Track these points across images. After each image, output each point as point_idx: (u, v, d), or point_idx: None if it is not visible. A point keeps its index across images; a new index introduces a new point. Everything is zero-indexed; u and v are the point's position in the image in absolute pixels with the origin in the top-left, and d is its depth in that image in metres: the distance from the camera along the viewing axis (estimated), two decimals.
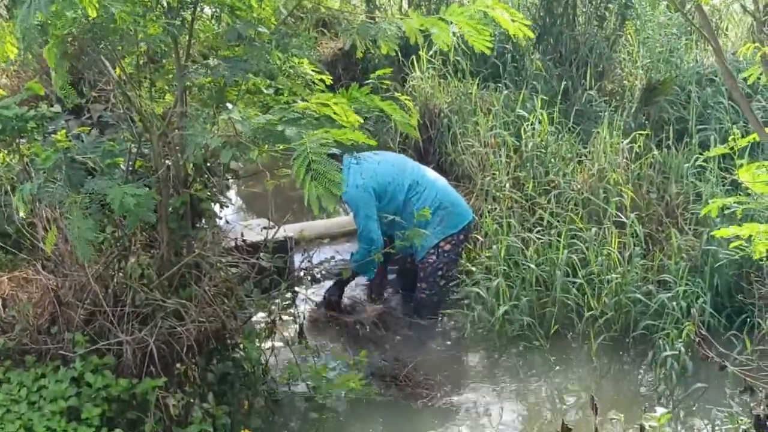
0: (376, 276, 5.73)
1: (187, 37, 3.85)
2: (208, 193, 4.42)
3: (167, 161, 4.02)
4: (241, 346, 4.38)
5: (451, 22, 3.66)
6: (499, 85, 7.42)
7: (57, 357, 3.98)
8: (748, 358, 4.68)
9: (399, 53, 6.15)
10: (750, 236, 3.67)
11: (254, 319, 4.64)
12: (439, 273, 5.51)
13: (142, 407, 3.88)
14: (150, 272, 4.10)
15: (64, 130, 4.05)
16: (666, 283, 5.38)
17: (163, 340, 3.98)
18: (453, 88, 7.36)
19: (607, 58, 7.90)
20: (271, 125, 3.42)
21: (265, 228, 4.87)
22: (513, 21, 3.69)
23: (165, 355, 4.01)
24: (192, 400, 3.94)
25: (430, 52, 7.62)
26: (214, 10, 4.07)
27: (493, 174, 6.30)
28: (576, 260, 5.49)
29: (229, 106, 3.89)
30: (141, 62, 4.09)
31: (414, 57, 7.61)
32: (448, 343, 5.47)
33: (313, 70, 4.23)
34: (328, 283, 5.77)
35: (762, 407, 3.94)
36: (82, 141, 4.00)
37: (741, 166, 3.76)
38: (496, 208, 6.03)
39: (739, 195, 4.38)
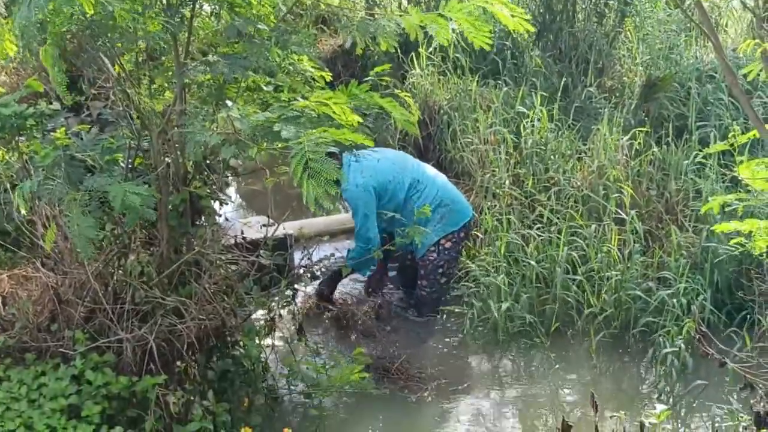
0: (375, 272, 5.73)
1: (186, 35, 3.84)
2: (208, 191, 4.42)
3: (167, 159, 4.02)
4: (241, 343, 4.38)
5: (451, 19, 3.66)
6: (499, 81, 7.41)
7: (57, 355, 3.98)
8: (748, 355, 4.69)
9: (398, 50, 6.13)
10: (750, 232, 3.67)
11: (254, 316, 4.64)
12: (440, 270, 5.50)
13: (143, 405, 3.88)
14: (150, 270, 4.10)
15: (63, 128, 4.04)
16: (666, 280, 5.38)
17: (163, 338, 3.98)
18: (452, 84, 7.35)
19: (606, 54, 7.89)
20: (270, 123, 3.42)
21: (264, 225, 4.87)
22: (513, 16, 3.68)
23: (165, 352, 4.01)
24: (192, 398, 3.94)
25: (430, 49, 7.61)
26: (213, 7, 4.06)
27: (493, 171, 6.30)
28: (576, 257, 5.50)
29: (229, 103, 3.88)
30: (140, 59, 4.09)
31: (413, 54, 7.60)
32: (448, 340, 5.46)
33: (312, 67, 4.23)
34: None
35: (762, 404, 3.95)
36: (82, 139, 3.99)
37: (741, 162, 3.76)
38: (495, 205, 6.03)
39: (739, 192, 4.38)
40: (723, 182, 5.98)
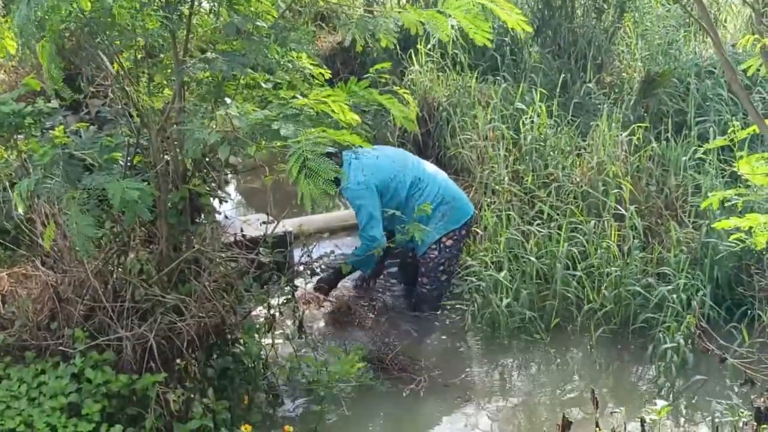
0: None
1: (184, 32, 3.84)
2: (207, 189, 4.41)
3: (166, 156, 4.02)
4: (241, 341, 4.38)
5: (449, 15, 3.66)
6: (498, 78, 7.41)
7: (57, 353, 3.99)
8: (748, 351, 4.69)
9: (397, 47, 6.13)
10: (750, 228, 3.67)
11: (254, 313, 4.64)
12: (441, 268, 5.50)
13: (143, 403, 3.88)
14: (149, 268, 4.09)
15: (62, 126, 4.04)
16: (665, 275, 5.38)
17: (162, 336, 3.98)
18: (451, 81, 7.35)
19: (605, 50, 7.88)
20: (269, 121, 3.42)
21: (264, 223, 4.87)
22: (508, 15, 3.69)
23: (165, 350, 4.01)
24: (192, 396, 3.94)
25: (429, 46, 7.61)
26: (211, 4, 4.06)
27: (492, 167, 6.30)
28: (576, 253, 5.49)
29: (228, 101, 3.88)
30: (139, 57, 4.08)
31: (412, 50, 7.60)
32: (447, 335, 5.46)
33: (311, 65, 4.22)
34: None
35: (762, 399, 3.95)
36: (80, 137, 3.99)
37: (740, 158, 3.76)
38: (495, 202, 6.03)
39: (739, 187, 4.37)
40: (722, 178, 5.98)
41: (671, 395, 4.75)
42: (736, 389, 4.68)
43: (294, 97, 3.83)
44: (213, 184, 4.48)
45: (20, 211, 3.88)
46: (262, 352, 4.49)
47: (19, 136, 4.16)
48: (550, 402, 4.78)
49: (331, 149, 3.37)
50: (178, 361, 4.01)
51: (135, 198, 3.49)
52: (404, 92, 4.36)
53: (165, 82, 4.18)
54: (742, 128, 3.88)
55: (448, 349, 5.33)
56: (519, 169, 6.30)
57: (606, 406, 4.63)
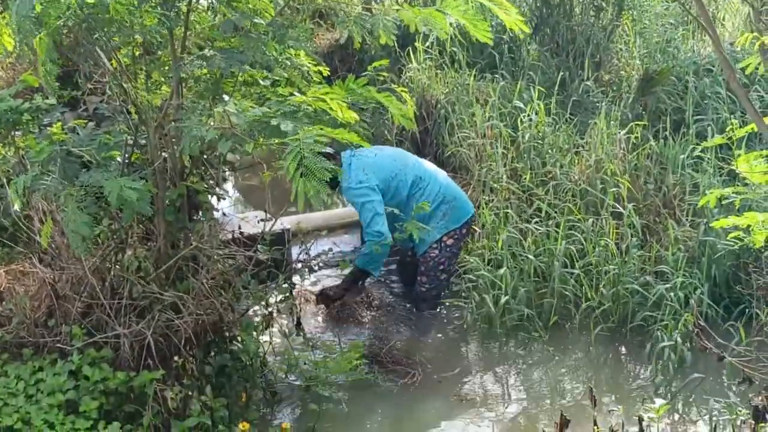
0: None
1: (182, 29, 3.83)
2: (205, 186, 4.41)
3: (164, 153, 4.01)
4: (239, 338, 4.38)
5: (447, 14, 3.67)
6: (496, 75, 7.41)
7: (54, 350, 3.98)
8: (746, 349, 4.69)
9: (395, 44, 6.13)
10: (748, 226, 3.67)
11: (251, 311, 4.63)
12: (441, 267, 5.49)
13: (140, 400, 3.88)
14: (147, 265, 4.09)
15: (59, 123, 4.03)
16: (663, 274, 5.38)
17: (160, 333, 3.98)
18: (450, 78, 7.34)
19: (604, 48, 7.88)
20: (267, 118, 3.41)
21: (262, 220, 4.86)
22: (506, 14, 3.71)
23: (162, 347, 4.01)
24: (190, 393, 3.93)
25: (427, 43, 7.61)
26: (209, 1, 4.05)
27: (491, 165, 6.30)
28: (574, 251, 5.49)
29: (226, 98, 3.88)
30: (137, 54, 4.08)
31: (410, 48, 7.59)
32: (445, 333, 5.46)
33: (309, 62, 4.22)
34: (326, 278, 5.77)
35: (760, 398, 3.95)
36: (78, 134, 3.98)
37: (739, 156, 3.76)
38: (493, 200, 6.03)
39: (737, 185, 4.38)
40: (720, 176, 5.99)
41: (669, 394, 4.75)
42: (734, 388, 4.69)
43: (292, 94, 3.83)
44: (211, 182, 4.48)
45: (17, 207, 3.88)
46: (259, 350, 4.49)
47: (16, 132, 4.15)
48: (549, 400, 4.78)
49: (329, 149, 3.36)
50: (175, 358, 4.01)
51: (132, 198, 3.49)
52: (402, 90, 4.36)
53: (163, 79, 4.18)
54: (741, 126, 3.88)
55: (446, 346, 5.33)
56: (517, 167, 6.30)
57: (604, 404, 4.62)
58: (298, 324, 4.87)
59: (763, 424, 3.75)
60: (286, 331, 4.78)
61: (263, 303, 4.58)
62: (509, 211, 5.83)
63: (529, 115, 6.54)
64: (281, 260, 5.01)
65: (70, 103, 6.10)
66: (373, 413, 4.64)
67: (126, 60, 4.07)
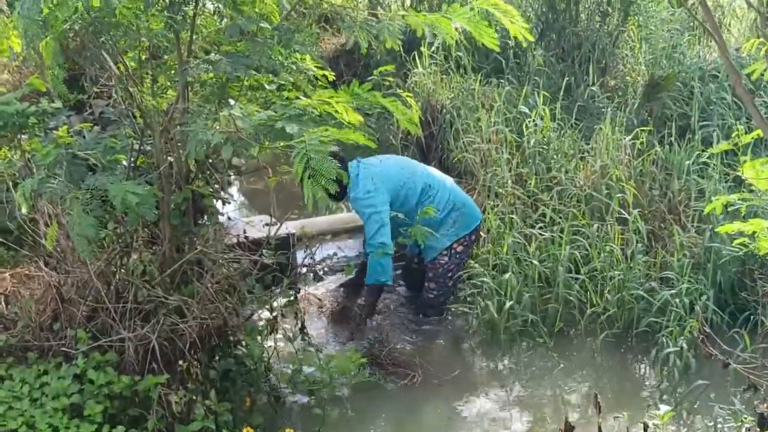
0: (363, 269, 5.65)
1: (189, 33, 3.84)
2: (210, 190, 4.41)
3: (169, 157, 4.02)
4: (243, 342, 4.38)
5: (452, 19, 3.67)
6: (502, 80, 7.40)
7: (59, 354, 3.99)
8: (751, 356, 4.67)
9: (401, 49, 6.13)
10: (754, 232, 3.66)
11: (256, 315, 4.63)
12: (449, 274, 5.48)
13: (145, 404, 3.88)
14: (152, 269, 4.10)
15: (65, 126, 4.04)
16: (669, 280, 5.37)
17: (165, 337, 3.98)
18: (455, 83, 7.34)
19: (609, 53, 7.88)
20: (272, 122, 3.42)
21: (267, 224, 4.86)
22: (512, 23, 3.72)
23: (167, 352, 4.01)
24: (194, 397, 3.93)
25: (432, 48, 7.61)
26: (216, 5, 4.06)
27: (496, 170, 6.29)
28: (578, 257, 5.49)
29: (232, 102, 3.88)
30: (143, 58, 4.08)
31: (416, 52, 7.60)
32: (450, 339, 5.45)
33: (315, 66, 4.22)
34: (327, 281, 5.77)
35: (765, 405, 3.94)
36: (84, 137, 3.99)
37: (744, 162, 3.75)
38: (498, 205, 6.02)
39: (743, 192, 4.37)
40: (726, 182, 5.97)
41: (674, 400, 4.74)
42: (739, 395, 4.67)
43: (297, 98, 3.83)
44: (216, 186, 4.48)
45: (24, 211, 3.89)
46: (264, 354, 4.48)
47: (23, 136, 4.16)
48: (553, 406, 4.77)
49: (335, 148, 3.35)
50: (180, 362, 4.01)
51: (134, 203, 3.49)
52: (408, 95, 4.36)
53: (169, 83, 4.18)
54: (746, 132, 3.87)
55: (451, 351, 5.33)
56: (522, 172, 6.30)
57: (609, 410, 4.61)
58: (303, 328, 4.87)
59: None
60: (291, 335, 4.78)
61: (268, 307, 4.58)
62: (514, 216, 5.82)
63: (534, 121, 6.54)
64: (286, 264, 5.00)
65: (76, 106, 6.12)
66: (377, 417, 4.64)
67: (132, 64, 4.08)
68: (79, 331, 3.96)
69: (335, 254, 5.37)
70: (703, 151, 6.04)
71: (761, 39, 3.45)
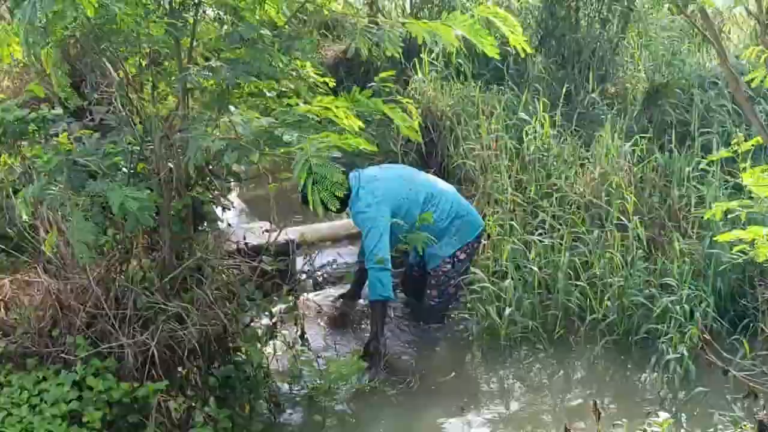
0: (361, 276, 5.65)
1: (189, 39, 3.84)
2: (210, 196, 4.41)
3: (169, 164, 4.02)
4: (243, 349, 4.37)
5: (451, 26, 3.69)
6: (502, 87, 7.41)
7: (58, 360, 3.98)
8: (752, 363, 4.67)
9: (401, 56, 6.15)
10: (753, 240, 3.66)
11: (256, 322, 4.63)
12: (452, 282, 5.46)
13: (144, 411, 3.87)
14: (151, 275, 4.09)
15: (66, 133, 4.04)
16: (668, 286, 5.37)
17: (164, 344, 3.98)
18: (455, 90, 7.35)
19: (609, 61, 7.90)
20: (272, 128, 3.42)
21: (266, 231, 4.86)
22: (512, 32, 3.74)
23: (166, 358, 4.01)
24: (193, 404, 3.93)
25: (432, 55, 7.61)
26: (216, 12, 4.07)
27: (495, 177, 6.29)
28: (578, 263, 5.49)
29: (232, 108, 3.88)
30: (143, 64, 4.09)
31: (416, 59, 7.61)
32: (450, 345, 5.44)
33: (315, 73, 4.23)
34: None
35: (765, 412, 3.93)
36: (84, 144, 3.99)
37: (744, 169, 3.75)
38: (498, 211, 6.02)
39: (743, 199, 4.37)
40: (726, 189, 5.97)
41: (674, 407, 4.73)
42: (739, 402, 4.66)
43: (297, 104, 3.84)
44: (216, 192, 4.48)
45: (24, 217, 3.89)
46: (263, 361, 4.48)
47: (23, 142, 4.16)
48: (552, 413, 4.76)
49: (337, 154, 3.35)
50: (179, 369, 4.01)
51: (134, 209, 3.49)
52: (408, 101, 4.36)
53: (169, 90, 4.18)
54: (746, 140, 3.88)
55: (451, 357, 5.32)
56: (522, 179, 6.30)
57: (608, 417, 4.60)
58: (302, 335, 4.86)
59: None
60: (290, 341, 4.78)
61: (267, 314, 4.57)
62: (514, 223, 5.82)
63: (534, 127, 6.54)
64: (286, 271, 5.00)
65: (77, 113, 6.12)
66: (376, 423, 4.63)
67: (132, 70, 4.08)
68: (78, 337, 3.95)
69: (334, 261, 5.36)
70: (702, 158, 6.04)
71: (761, 47, 3.46)
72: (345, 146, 3.42)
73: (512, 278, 5.44)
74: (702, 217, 5.48)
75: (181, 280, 4.15)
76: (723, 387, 4.79)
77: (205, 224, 4.46)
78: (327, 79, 4.33)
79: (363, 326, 5.47)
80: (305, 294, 5.55)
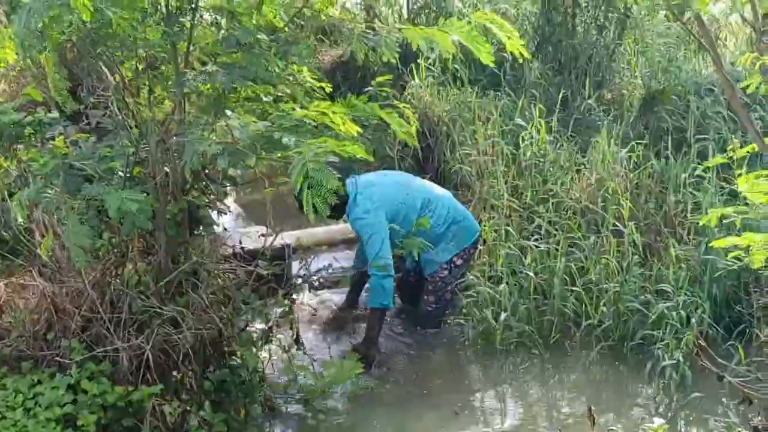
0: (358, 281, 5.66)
1: (186, 44, 3.85)
2: (206, 200, 4.41)
3: (165, 168, 4.02)
4: (238, 353, 4.37)
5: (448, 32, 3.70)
6: (498, 93, 7.42)
7: (53, 364, 3.98)
8: (746, 370, 4.68)
9: (398, 61, 6.15)
10: (748, 246, 3.66)
11: (251, 326, 4.63)
12: (449, 287, 5.47)
13: (139, 415, 3.88)
14: (147, 279, 4.09)
15: (62, 136, 4.04)
16: (664, 292, 5.37)
17: (159, 348, 3.98)
18: (452, 96, 7.35)
19: (606, 67, 7.90)
20: (269, 133, 3.42)
21: (262, 235, 4.86)
22: (509, 38, 3.75)
23: (161, 362, 4.00)
24: (188, 408, 3.93)
25: (429, 61, 7.62)
26: (213, 17, 4.07)
27: (492, 183, 6.30)
28: (574, 269, 5.49)
29: (229, 113, 3.89)
30: (140, 68, 4.09)
31: (413, 65, 7.61)
32: (445, 350, 5.44)
33: (312, 78, 4.24)
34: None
35: (759, 418, 3.94)
36: (80, 147, 3.99)
37: (740, 176, 3.76)
38: (494, 217, 6.03)
39: (738, 205, 4.38)
40: (722, 195, 5.99)
41: (669, 413, 4.74)
42: (734, 408, 4.67)
43: (293, 109, 3.84)
44: (212, 196, 4.48)
45: (20, 220, 3.89)
46: (258, 365, 4.47)
47: (19, 145, 4.16)
48: (547, 418, 4.76)
49: (334, 159, 3.35)
50: (174, 373, 4.00)
51: (133, 210, 3.49)
52: (405, 107, 4.37)
53: (165, 94, 4.19)
54: (742, 146, 3.89)
55: (446, 362, 5.32)
56: (518, 184, 6.30)
57: (603, 422, 4.61)
58: (297, 339, 4.86)
59: None
60: (286, 345, 4.77)
61: (263, 318, 4.57)
62: (510, 228, 5.83)
63: (530, 133, 6.55)
64: (282, 275, 5.00)
65: (73, 116, 6.12)
66: (372, 427, 4.62)
67: (129, 74, 4.08)
68: (73, 341, 3.95)
69: (330, 265, 5.36)
70: (698, 164, 6.05)
71: (756, 53, 3.47)
72: (342, 153, 3.42)
73: (508, 283, 5.45)
74: (698, 224, 5.49)
75: (176, 284, 4.16)
76: (718, 393, 4.79)
77: (201, 228, 4.46)
78: (324, 84, 4.33)
79: (358, 330, 5.46)
80: (302, 298, 5.55)
